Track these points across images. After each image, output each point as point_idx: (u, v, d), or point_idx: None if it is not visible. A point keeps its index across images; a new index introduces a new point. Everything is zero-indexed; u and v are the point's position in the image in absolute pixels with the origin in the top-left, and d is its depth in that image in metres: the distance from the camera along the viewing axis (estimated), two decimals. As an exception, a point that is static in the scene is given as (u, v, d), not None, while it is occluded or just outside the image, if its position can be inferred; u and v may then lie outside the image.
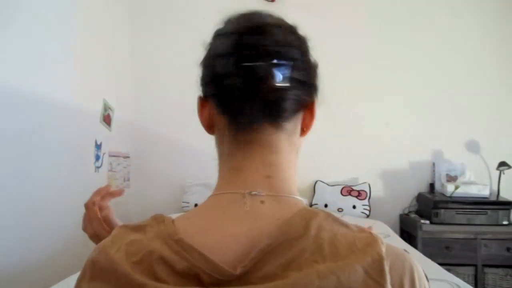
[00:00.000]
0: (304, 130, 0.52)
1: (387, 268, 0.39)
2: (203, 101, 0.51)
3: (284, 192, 0.47)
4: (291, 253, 0.39)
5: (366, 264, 0.39)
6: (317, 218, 0.43)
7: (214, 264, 0.38)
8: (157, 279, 0.38)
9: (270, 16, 0.50)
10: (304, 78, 0.48)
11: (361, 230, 0.43)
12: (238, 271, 0.38)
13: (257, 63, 0.44)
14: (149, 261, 0.38)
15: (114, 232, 0.44)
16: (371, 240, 0.41)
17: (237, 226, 0.42)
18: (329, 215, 0.44)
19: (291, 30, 0.51)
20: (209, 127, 0.52)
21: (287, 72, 0.46)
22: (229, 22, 0.51)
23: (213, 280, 0.38)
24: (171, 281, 0.38)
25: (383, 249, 0.40)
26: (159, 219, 0.44)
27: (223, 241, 0.41)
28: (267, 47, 0.45)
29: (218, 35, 0.50)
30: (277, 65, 0.44)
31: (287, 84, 0.45)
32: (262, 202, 0.45)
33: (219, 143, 0.50)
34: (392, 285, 0.39)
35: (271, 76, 0.44)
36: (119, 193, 0.73)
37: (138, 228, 0.43)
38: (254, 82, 0.45)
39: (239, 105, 0.46)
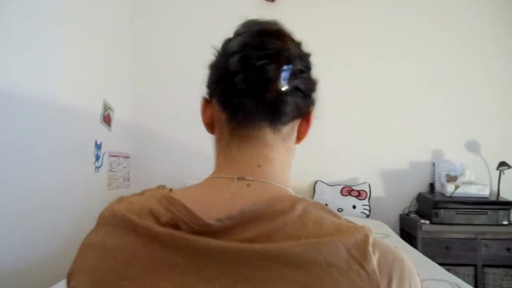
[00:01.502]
0: (299, 137, 0.55)
1: (371, 251, 0.39)
2: (207, 102, 0.55)
3: (273, 181, 0.49)
4: (274, 224, 0.40)
5: (349, 245, 0.39)
6: (303, 202, 0.44)
7: (194, 215, 0.41)
8: None
9: (277, 24, 0.53)
10: (305, 88, 0.51)
11: (349, 221, 0.44)
12: (213, 223, 0.40)
13: (265, 63, 0.47)
14: (141, 214, 0.43)
15: (121, 196, 0.50)
16: (359, 227, 0.42)
17: (223, 201, 0.45)
18: (316, 203, 0.45)
19: (297, 43, 0.54)
20: (210, 126, 0.55)
21: (292, 78, 0.48)
22: (241, 26, 0.53)
23: (190, 229, 0.40)
24: None
25: (370, 235, 0.41)
26: (160, 186, 0.50)
27: (208, 208, 0.43)
28: (276, 50, 0.48)
29: (229, 38, 0.53)
30: (284, 70, 0.47)
31: (290, 90, 0.48)
32: (248, 185, 0.47)
33: (219, 139, 0.54)
34: (380, 274, 0.39)
35: (277, 79, 0.47)
36: None
37: (141, 193, 0.50)
38: (258, 82, 0.47)
39: (240, 101, 0.49)
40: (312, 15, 2.78)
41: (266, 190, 0.48)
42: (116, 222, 0.44)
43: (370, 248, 0.40)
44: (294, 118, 0.52)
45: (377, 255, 0.40)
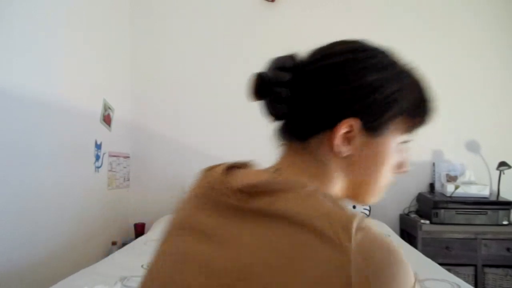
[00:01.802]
0: (333, 149, 0.53)
1: (353, 231, 0.40)
2: None
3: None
4: (280, 196, 0.47)
5: (335, 218, 0.42)
6: (316, 188, 0.48)
7: (219, 187, 0.53)
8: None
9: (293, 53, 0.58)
10: (320, 101, 0.52)
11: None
12: (229, 193, 0.51)
13: (272, 86, 0.54)
14: (204, 181, 0.58)
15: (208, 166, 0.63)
16: (356, 212, 0.44)
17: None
18: (330, 196, 0.47)
19: (325, 51, 0.61)
20: None
21: (295, 97, 0.53)
22: None
23: (217, 193, 0.53)
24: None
25: (360, 218, 0.42)
26: (238, 163, 0.60)
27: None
28: (272, 77, 0.54)
29: None
30: (276, 91, 0.53)
31: (294, 107, 0.53)
32: (278, 176, 0.55)
33: None
34: (357, 254, 0.39)
35: (275, 101, 0.54)
36: None
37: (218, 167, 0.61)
38: (271, 104, 0.55)
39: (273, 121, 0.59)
40: (312, 15, 2.78)
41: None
42: (194, 184, 0.60)
43: (353, 229, 0.40)
44: (316, 131, 0.53)
45: (359, 236, 0.40)
